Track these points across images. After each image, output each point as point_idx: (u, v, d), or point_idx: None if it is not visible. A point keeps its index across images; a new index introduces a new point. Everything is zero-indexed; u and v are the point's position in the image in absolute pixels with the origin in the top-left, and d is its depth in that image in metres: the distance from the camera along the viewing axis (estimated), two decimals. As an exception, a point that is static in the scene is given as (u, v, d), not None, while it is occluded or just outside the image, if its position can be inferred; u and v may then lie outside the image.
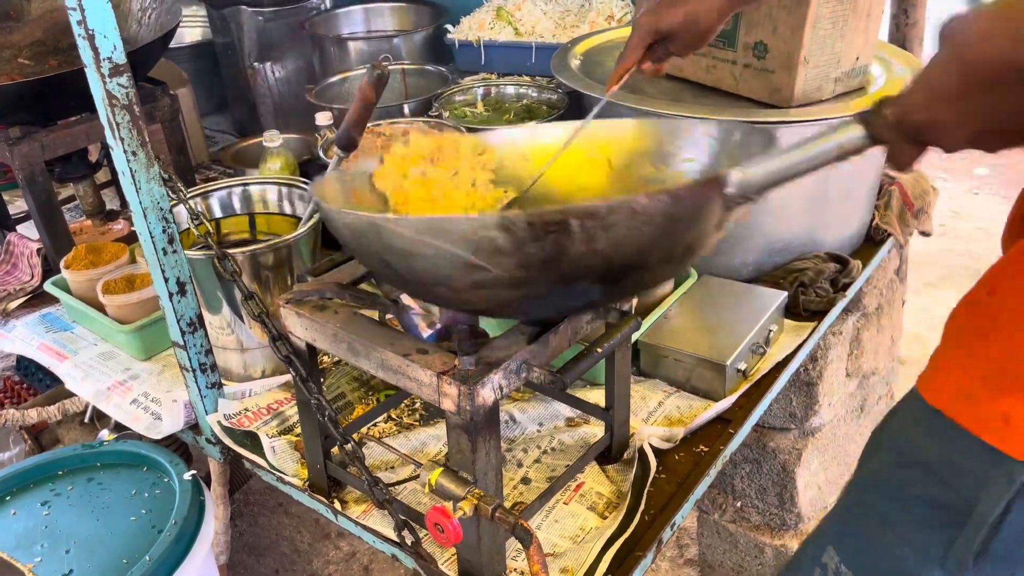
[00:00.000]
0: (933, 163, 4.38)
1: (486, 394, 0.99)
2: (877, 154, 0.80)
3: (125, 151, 1.17)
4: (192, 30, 2.99)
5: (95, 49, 1.10)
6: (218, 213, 1.60)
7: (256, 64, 2.63)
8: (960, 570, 0.83)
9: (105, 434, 1.67)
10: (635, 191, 1.07)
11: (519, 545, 1.18)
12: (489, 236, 0.79)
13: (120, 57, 1.13)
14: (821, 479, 2.04)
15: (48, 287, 1.78)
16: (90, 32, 1.09)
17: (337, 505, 1.26)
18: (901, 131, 0.75)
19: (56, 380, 1.82)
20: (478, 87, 2.16)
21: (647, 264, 0.87)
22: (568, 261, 0.81)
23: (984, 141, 0.73)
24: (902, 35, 2.11)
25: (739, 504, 2.05)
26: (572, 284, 0.87)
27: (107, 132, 1.17)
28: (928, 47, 2.17)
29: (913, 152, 0.76)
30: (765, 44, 1.55)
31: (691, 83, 1.74)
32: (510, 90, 2.16)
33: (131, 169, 1.19)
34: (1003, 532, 0.80)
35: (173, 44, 2.50)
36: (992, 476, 0.79)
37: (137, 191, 1.20)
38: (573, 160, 1.20)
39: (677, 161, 1.14)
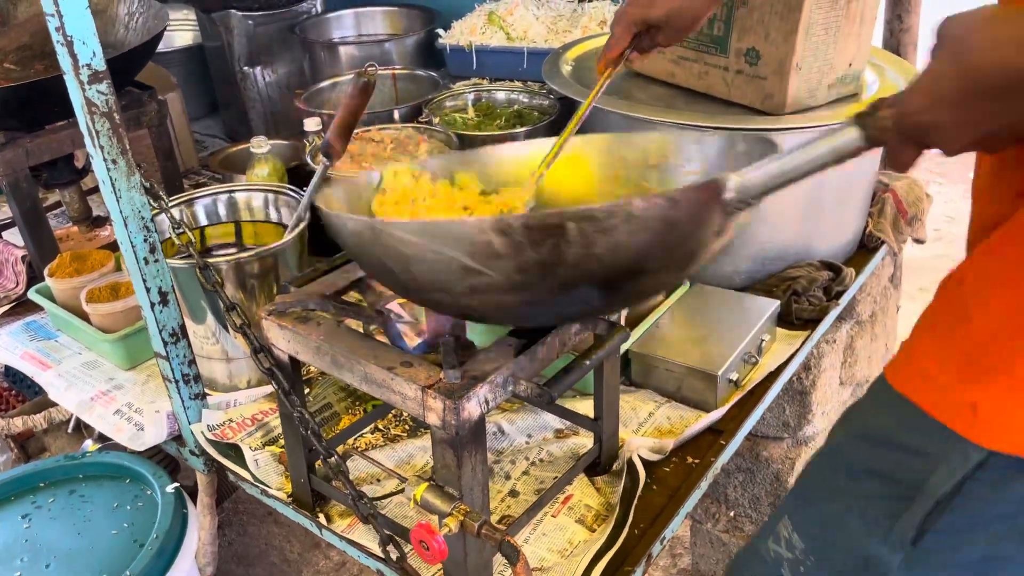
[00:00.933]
0: (928, 167, 4.38)
1: (472, 408, 0.97)
2: (870, 161, 0.78)
3: (105, 159, 1.15)
4: (183, 34, 2.97)
5: (74, 56, 1.08)
6: (203, 221, 1.58)
7: (246, 68, 2.61)
8: (901, 544, 0.83)
9: (89, 444, 1.65)
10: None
11: (505, 562, 1.17)
12: (486, 239, 0.79)
13: (100, 64, 1.11)
14: (815, 488, 2.02)
15: (32, 295, 1.75)
16: (68, 39, 1.07)
17: (321, 519, 1.24)
18: (900, 133, 0.73)
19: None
20: (469, 92, 2.14)
21: (646, 270, 0.86)
22: (566, 265, 0.81)
23: (987, 144, 0.72)
24: (896, 40, 2.10)
25: (732, 514, 2.03)
26: (571, 290, 0.86)
27: (87, 139, 1.15)
28: (922, 53, 2.16)
29: (913, 153, 0.75)
30: (757, 50, 1.54)
31: (683, 89, 1.73)
32: (501, 95, 2.14)
33: (111, 178, 1.16)
34: (953, 511, 0.80)
35: (163, 48, 2.48)
36: (948, 457, 0.79)
37: (118, 200, 1.18)
38: (561, 174, 1.19)
39: (674, 173, 1.13)
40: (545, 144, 1.22)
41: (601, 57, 1.30)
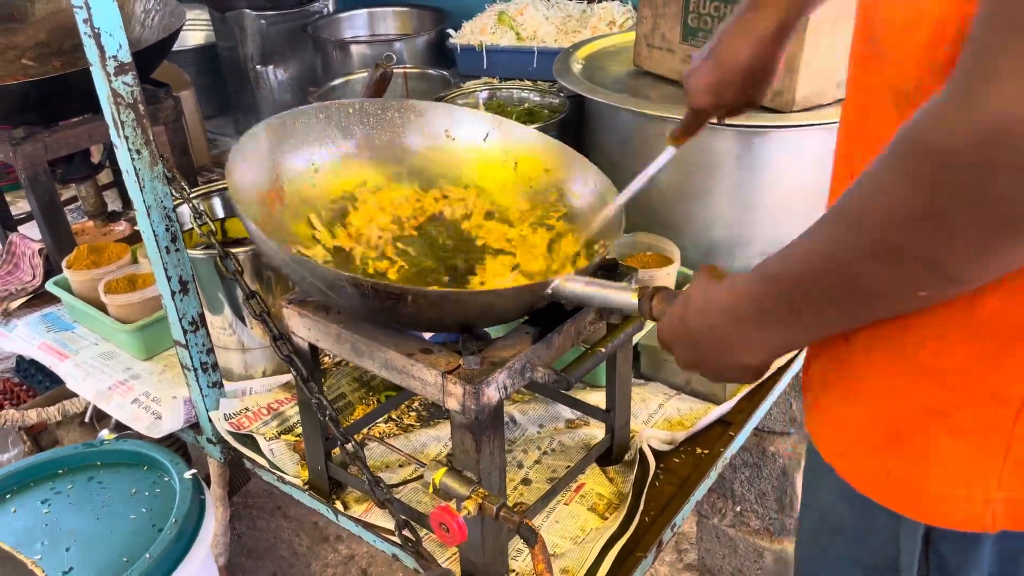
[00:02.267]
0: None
1: (491, 393, 0.99)
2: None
3: (129, 149, 1.18)
4: (196, 33, 3.00)
5: (101, 47, 1.11)
6: (220, 214, 1.60)
7: (259, 67, 2.64)
8: None
9: (105, 434, 1.67)
10: (530, 203, 1.28)
11: (519, 547, 1.19)
12: (342, 285, 0.98)
13: (125, 56, 1.13)
14: (820, 484, 2.04)
15: (50, 287, 1.78)
16: (96, 30, 1.09)
17: (338, 505, 1.26)
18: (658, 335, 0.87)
19: (55, 382, 1.82)
20: (480, 91, 2.17)
21: (476, 324, 1.07)
22: (400, 316, 1.02)
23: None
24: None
25: (739, 508, 2.05)
26: (406, 326, 1.08)
27: (111, 130, 1.17)
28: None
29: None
30: None
31: None
32: (512, 94, 2.17)
33: (135, 167, 1.19)
34: None
35: (177, 47, 2.50)
36: (900, 530, 0.75)
37: (141, 189, 1.20)
38: (489, 156, 1.32)
39: (571, 192, 1.28)
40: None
41: (677, 133, 1.21)
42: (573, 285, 1.01)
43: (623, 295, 0.97)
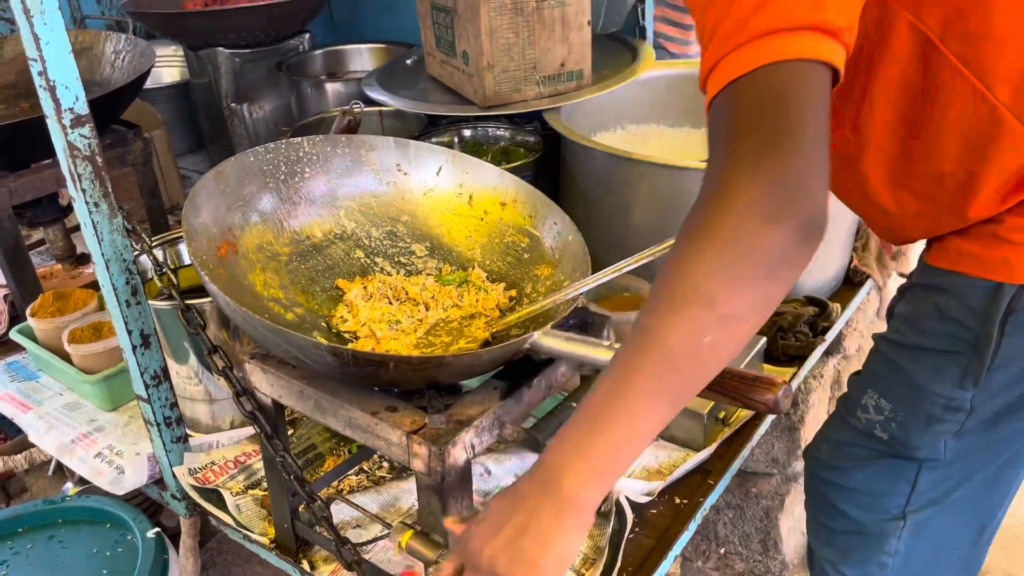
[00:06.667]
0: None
1: (457, 454, 0.96)
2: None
3: (87, 202, 1.15)
4: (170, 70, 2.97)
5: (56, 100, 1.08)
6: (187, 260, 1.57)
7: (233, 105, 2.61)
8: (974, 383, 1.04)
9: (70, 487, 1.62)
10: (492, 246, 1.28)
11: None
12: (320, 353, 0.97)
13: (82, 108, 1.11)
14: (805, 525, 2.00)
15: (14, 335, 1.73)
16: (51, 83, 1.07)
17: (305, 565, 1.22)
18: None
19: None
20: (455, 130, 2.15)
21: (457, 379, 1.08)
22: (381, 379, 1.01)
23: None
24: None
25: (722, 551, 2.01)
26: (376, 386, 1.05)
27: (68, 183, 1.14)
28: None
29: None
30: (467, 52, 1.80)
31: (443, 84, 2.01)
32: (488, 132, 2.15)
33: (93, 220, 1.16)
34: (1001, 348, 1.00)
35: (150, 84, 2.48)
36: (993, 305, 0.99)
37: (100, 242, 1.17)
38: (451, 203, 1.32)
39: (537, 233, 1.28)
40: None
41: None
42: (552, 341, 1.00)
43: (606, 354, 0.94)
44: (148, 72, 1.90)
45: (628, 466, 0.79)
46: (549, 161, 1.91)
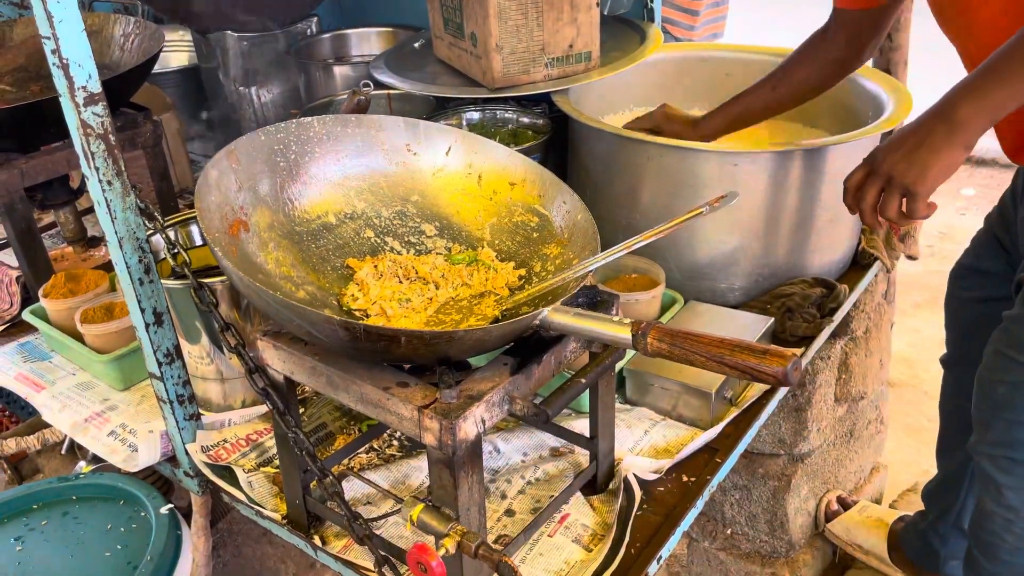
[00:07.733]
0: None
1: (468, 428, 0.97)
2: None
3: (100, 180, 1.16)
4: (178, 55, 2.97)
5: (69, 78, 1.09)
6: (199, 241, 1.58)
7: (242, 89, 2.62)
8: None
9: (83, 466, 1.64)
10: (500, 224, 1.29)
11: (503, 581, 1.16)
12: (332, 328, 0.97)
13: (95, 86, 1.11)
14: (811, 505, 2.02)
15: (26, 316, 1.75)
16: (64, 61, 1.07)
17: (316, 541, 1.24)
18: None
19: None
20: (465, 112, 2.15)
21: (468, 355, 1.08)
22: (393, 354, 1.02)
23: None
24: (886, 59, 2.11)
25: (729, 531, 2.02)
26: (387, 361, 1.06)
27: (82, 161, 1.15)
28: (912, 70, 2.18)
29: None
30: (476, 34, 1.80)
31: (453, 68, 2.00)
32: (496, 114, 2.15)
33: (106, 199, 1.17)
34: None
35: (159, 69, 2.49)
36: None
37: (113, 221, 1.18)
38: (460, 183, 1.33)
39: (546, 213, 1.28)
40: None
41: None
42: (562, 317, 1.01)
43: (617, 329, 0.96)
44: (158, 55, 1.90)
45: (1008, 112, 1.06)
46: (557, 143, 1.91)
